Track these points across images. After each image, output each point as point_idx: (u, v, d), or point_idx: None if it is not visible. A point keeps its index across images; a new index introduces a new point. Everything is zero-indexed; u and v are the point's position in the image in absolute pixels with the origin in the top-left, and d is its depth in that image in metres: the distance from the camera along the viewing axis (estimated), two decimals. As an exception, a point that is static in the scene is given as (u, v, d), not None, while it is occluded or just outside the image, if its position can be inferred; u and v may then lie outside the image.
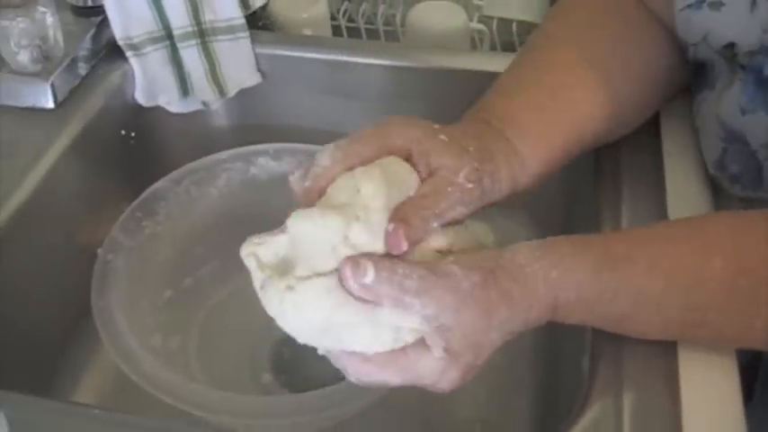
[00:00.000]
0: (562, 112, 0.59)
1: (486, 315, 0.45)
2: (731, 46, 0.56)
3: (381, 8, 1.06)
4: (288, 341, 0.73)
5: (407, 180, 0.49)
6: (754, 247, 0.47)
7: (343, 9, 1.06)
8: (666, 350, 0.51)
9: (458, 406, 0.70)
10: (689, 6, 0.58)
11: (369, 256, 0.45)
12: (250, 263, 0.47)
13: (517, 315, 0.46)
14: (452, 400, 0.70)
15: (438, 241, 0.48)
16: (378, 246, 0.46)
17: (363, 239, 0.45)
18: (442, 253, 0.48)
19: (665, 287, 0.47)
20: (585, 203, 0.68)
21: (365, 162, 0.49)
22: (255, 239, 0.48)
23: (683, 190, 0.61)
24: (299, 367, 0.75)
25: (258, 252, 0.47)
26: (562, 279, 0.47)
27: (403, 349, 0.45)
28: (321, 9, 0.96)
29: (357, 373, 0.46)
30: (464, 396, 0.70)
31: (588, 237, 0.51)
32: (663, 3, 0.62)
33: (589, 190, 0.67)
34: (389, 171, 0.49)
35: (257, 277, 0.47)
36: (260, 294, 0.46)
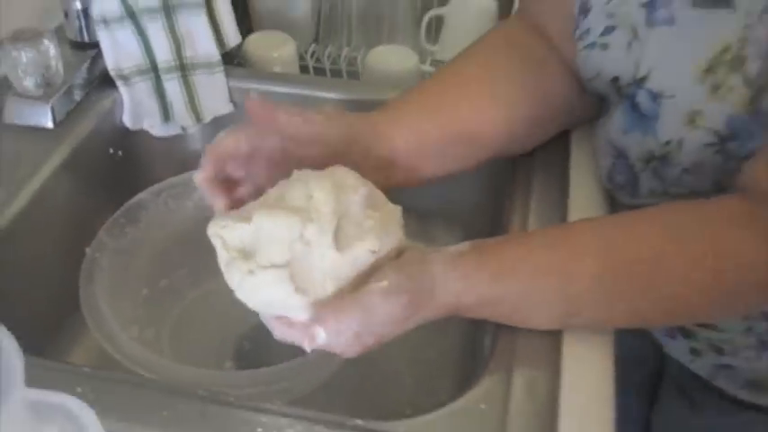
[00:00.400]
0: (444, 115, 0.72)
1: (401, 323, 0.57)
2: (615, 79, 0.69)
3: (345, 50, 1.19)
4: (248, 336, 0.84)
5: (353, 185, 0.61)
6: (617, 247, 0.60)
7: (310, 50, 1.19)
8: (553, 333, 0.63)
9: (391, 392, 0.82)
10: (586, 47, 0.71)
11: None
12: (216, 242, 0.58)
13: (425, 317, 0.58)
14: (387, 387, 0.81)
15: (372, 243, 0.59)
16: (326, 241, 0.57)
17: (315, 238, 0.57)
18: (375, 253, 0.59)
19: (545, 287, 0.59)
20: (502, 208, 0.81)
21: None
22: (221, 222, 0.59)
23: (583, 198, 0.74)
24: (258, 357, 0.85)
25: (224, 235, 0.58)
26: (465, 289, 0.58)
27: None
28: (290, 50, 1.08)
29: (282, 333, 0.57)
30: (397, 384, 0.82)
31: (490, 247, 0.62)
32: (566, 44, 0.75)
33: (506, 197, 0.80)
34: (337, 179, 0.61)
35: (223, 256, 0.58)
36: (224, 270, 0.58)
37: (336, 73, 1.17)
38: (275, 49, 1.07)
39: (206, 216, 0.86)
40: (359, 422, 0.57)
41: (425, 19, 1.17)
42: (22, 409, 0.43)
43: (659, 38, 0.64)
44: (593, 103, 0.77)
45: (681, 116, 0.63)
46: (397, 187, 0.68)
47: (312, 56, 1.18)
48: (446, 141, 0.72)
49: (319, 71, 1.17)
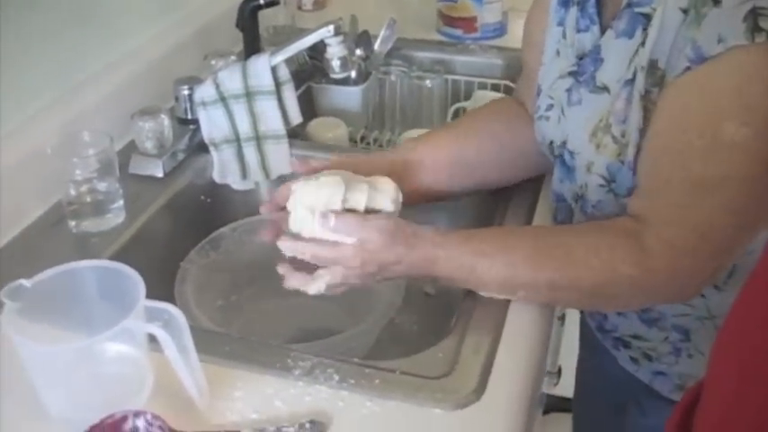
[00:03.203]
0: (453, 150, 1.04)
1: (391, 243, 0.85)
2: (551, 143, 0.97)
3: (387, 134, 1.50)
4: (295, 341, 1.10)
5: (386, 189, 0.91)
6: (544, 237, 0.88)
7: (360, 134, 1.50)
8: (499, 308, 0.90)
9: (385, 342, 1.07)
10: (538, 119, 1.00)
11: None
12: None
13: (410, 253, 0.85)
14: (381, 340, 1.07)
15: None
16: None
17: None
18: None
19: (495, 253, 0.86)
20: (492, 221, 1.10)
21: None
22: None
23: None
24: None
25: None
26: (443, 242, 0.86)
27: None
28: (342, 132, 1.40)
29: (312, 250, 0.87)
30: (394, 349, 1.08)
31: (464, 231, 0.91)
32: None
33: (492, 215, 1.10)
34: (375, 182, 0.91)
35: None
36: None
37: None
38: (330, 130, 1.39)
39: (268, 249, 1.17)
40: (356, 360, 0.85)
41: (451, 110, 1.48)
42: (143, 311, 0.72)
43: (573, 113, 0.92)
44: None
45: (584, 167, 0.91)
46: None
47: (362, 140, 1.50)
48: (453, 168, 1.03)
49: (365, 150, 1.48)
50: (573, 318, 1.31)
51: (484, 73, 1.54)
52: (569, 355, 1.33)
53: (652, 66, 0.80)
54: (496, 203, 1.11)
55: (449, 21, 1.62)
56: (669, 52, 0.78)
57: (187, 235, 1.16)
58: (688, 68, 0.76)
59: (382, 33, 1.51)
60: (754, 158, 0.75)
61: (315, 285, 0.88)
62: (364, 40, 1.50)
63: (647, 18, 0.81)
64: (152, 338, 0.75)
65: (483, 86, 1.52)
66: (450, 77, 1.55)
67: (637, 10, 0.83)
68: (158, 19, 1.36)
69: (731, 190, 0.77)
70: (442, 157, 1.04)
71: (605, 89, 0.87)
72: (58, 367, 0.75)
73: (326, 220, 0.85)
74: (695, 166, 0.78)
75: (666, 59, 0.79)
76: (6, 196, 1.02)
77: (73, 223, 1.04)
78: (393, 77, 1.53)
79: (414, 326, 1.16)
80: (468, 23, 1.60)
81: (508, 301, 0.91)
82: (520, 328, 0.90)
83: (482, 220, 1.12)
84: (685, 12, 0.76)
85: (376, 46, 1.51)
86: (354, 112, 1.50)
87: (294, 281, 0.90)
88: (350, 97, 1.49)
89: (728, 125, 0.74)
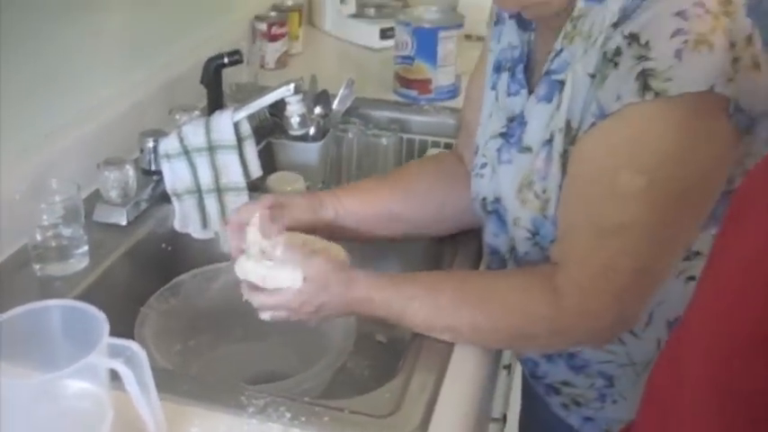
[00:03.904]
0: (378, 204, 1.11)
1: (328, 285, 0.92)
2: (484, 199, 1.04)
3: (344, 189, 1.56)
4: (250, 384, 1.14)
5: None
6: (468, 281, 0.94)
7: (317, 189, 1.56)
8: (445, 350, 0.95)
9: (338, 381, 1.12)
10: (474, 175, 1.07)
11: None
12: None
13: (345, 294, 0.92)
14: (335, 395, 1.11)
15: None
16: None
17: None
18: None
19: (424, 295, 0.93)
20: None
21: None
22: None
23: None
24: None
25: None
26: (376, 284, 0.93)
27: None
28: (300, 185, 1.45)
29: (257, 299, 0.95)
30: (346, 391, 1.12)
31: (397, 275, 0.98)
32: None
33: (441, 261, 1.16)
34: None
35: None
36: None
37: (336, 205, 1.54)
38: (289, 184, 1.44)
39: (227, 296, 1.21)
40: (307, 399, 0.89)
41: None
42: (106, 347, 0.77)
43: (503, 172, 1.00)
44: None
45: (512, 221, 0.98)
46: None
47: (319, 192, 1.56)
48: (377, 218, 1.10)
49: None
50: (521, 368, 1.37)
51: (437, 132, 1.62)
52: (517, 403, 1.39)
53: (567, 126, 0.88)
54: (445, 249, 1.18)
55: (405, 82, 1.71)
56: (581, 113, 0.87)
57: (148, 281, 1.20)
58: (593, 124, 0.84)
59: (341, 93, 1.59)
60: (649, 206, 0.83)
61: (264, 315, 0.98)
62: (323, 98, 1.57)
63: (562, 84, 0.90)
64: (113, 376, 0.79)
65: (436, 145, 1.59)
66: (405, 136, 1.63)
67: (553, 77, 0.91)
68: (126, 73, 1.42)
69: (629, 235, 0.84)
70: (367, 207, 1.11)
71: (529, 149, 0.95)
72: (21, 402, 0.78)
73: (274, 249, 0.92)
74: (597, 212, 0.86)
75: (579, 119, 0.87)
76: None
77: (38, 267, 1.08)
78: (350, 135, 1.60)
79: (365, 370, 1.21)
80: (423, 85, 1.69)
81: (452, 345, 0.97)
82: (463, 370, 0.95)
83: (432, 265, 1.19)
84: (593, 76, 0.85)
85: (334, 104, 1.58)
86: (313, 167, 1.56)
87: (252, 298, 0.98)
88: (308, 153, 1.56)
89: (624, 175, 0.82)
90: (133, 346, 0.77)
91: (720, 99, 0.79)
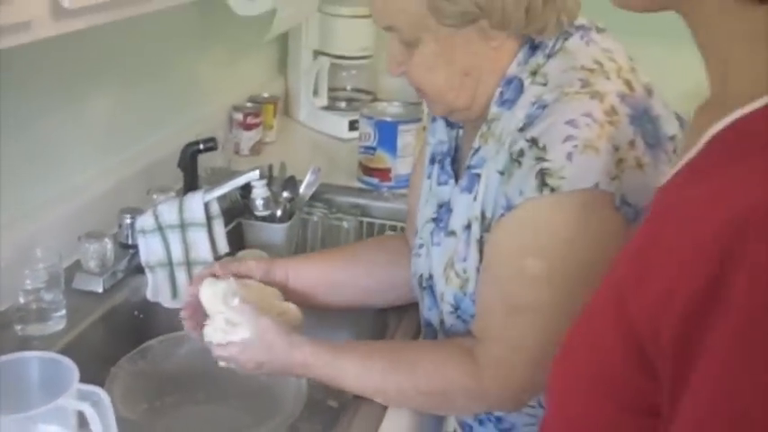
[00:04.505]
0: (325, 270, 1.25)
1: (271, 346, 1.04)
2: (420, 276, 1.17)
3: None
4: None
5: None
6: (398, 350, 1.07)
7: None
8: (379, 411, 1.07)
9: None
10: (413, 255, 1.20)
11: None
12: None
13: (285, 354, 1.04)
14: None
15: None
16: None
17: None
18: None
19: (357, 363, 1.05)
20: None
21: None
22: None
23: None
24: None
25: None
26: (314, 352, 1.05)
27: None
28: (266, 262, 1.59)
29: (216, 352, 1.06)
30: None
31: (335, 343, 1.10)
32: None
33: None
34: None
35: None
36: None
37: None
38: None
39: (192, 361, 1.32)
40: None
41: (364, 248, 1.68)
42: (76, 392, 0.88)
43: (434, 253, 1.14)
44: None
45: (440, 296, 1.11)
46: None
47: (284, 270, 1.68)
48: (325, 282, 1.23)
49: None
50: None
51: (395, 217, 1.75)
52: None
53: (482, 216, 1.02)
54: (390, 321, 1.32)
55: (367, 171, 1.86)
56: (493, 205, 1.00)
57: (119, 344, 1.31)
58: (502, 215, 0.98)
59: (307, 179, 1.73)
60: (551, 286, 0.95)
61: (220, 363, 1.12)
62: (291, 184, 1.71)
63: (479, 177, 1.04)
64: (82, 423, 0.90)
65: (393, 228, 1.73)
66: (366, 220, 1.77)
67: (473, 171, 1.05)
68: (109, 156, 1.56)
69: (537, 313, 0.97)
70: (315, 273, 1.26)
71: (454, 234, 1.09)
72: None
73: (232, 299, 1.06)
74: (507, 293, 0.99)
75: (491, 210, 1.01)
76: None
77: (19, 327, 1.20)
78: (315, 218, 1.73)
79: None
80: (384, 174, 1.84)
81: (385, 407, 1.09)
82: (396, 423, 1.07)
83: (378, 333, 1.32)
84: (501, 173, 0.99)
85: (301, 189, 1.73)
86: (279, 246, 1.69)
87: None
88: (275, 233, 1.69)
89: (530, 260, 0.95)
90: (99, 392, 0.89)
91: (605, 194, 0.93)
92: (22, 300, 1.19)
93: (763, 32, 0.57)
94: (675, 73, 1.20)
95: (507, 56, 1.03)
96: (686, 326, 0.51)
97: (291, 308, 1.17)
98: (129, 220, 1.41)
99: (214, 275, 1.15)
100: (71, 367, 0.91)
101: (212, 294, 1.10)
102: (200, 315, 1.13)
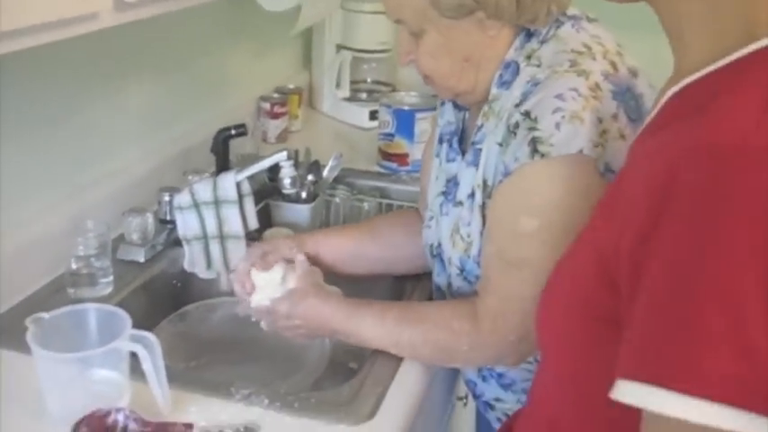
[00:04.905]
0: (348, 243, 1.37)
1: (306, 298, 1.18)
2: (431, 246, 1.30)
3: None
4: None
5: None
6: (408, 307, 1.20)
7: (308, 243, 1.82)
8: (395, 362, 1.19)
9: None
10: (424, 227, 1.32)
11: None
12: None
13: (316, 309, 1.18)
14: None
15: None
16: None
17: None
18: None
19: (374, 317, 1.17)
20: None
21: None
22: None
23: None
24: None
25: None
26: (338, 306, 1.18)
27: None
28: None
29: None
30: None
31: (357, 300, 1.23)
32: None
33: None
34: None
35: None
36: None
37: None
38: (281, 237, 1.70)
39: (225, 324, 1.45)
40: (281, 390, 1.13)
41: (383, 227, 1.81)
42: (128, 336, 1.01)
43: (443, 222, 1.26)
44: None
45: (447, 261, 1.24)
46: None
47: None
48: (349, 254, 1.36)
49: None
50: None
51: (412, 198, 1.86)
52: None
53: (484, 184, 1.14)
54: (405, 287, 1.45)
55: (386, 156, 1.98)
56: (493, 173, 1.12)
57: (160, 309, 1.45)
58: (500, 181, 1.10)
59: (330, 163, 1.86)
60: (544, 244, 1.06)
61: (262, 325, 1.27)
62: (315, 167, 1.84)
63: (481, 152, 1.16)
64: (133, 369, 1.04)
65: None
66: (385, 201, 1.89)
67: (477, 146, 1.17)
68: (148, 142, 1.70)
69: (530, 268, 1.07)
70: (340, 246, 1.39)
71: (461, 203, 1.21)
72: (60, 377, 1.03)
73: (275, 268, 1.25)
74: (503, 249, 1.11)
75: (492, 178, 1.12)
76: (21, 266, 1.32)
77: (72, 290, 1.34)
78: (337, 200, 1.86)
79: (329, 382, 1.44)
80: (402, 158, 1.96)
81: (400, 359, 1.21)
82: (408, 376, 1.19)
83: (395, 298, 1.45)
84: (500, 145, 1.11)
85: (324, 173, 1.85)
86: (304, 225, 1.82)
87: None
88: (300, 213, 1.82)
89: (523, 219, 1.07)
90: (150, 336, 1.02)
91: (589, 159, 1.04)
92: (74, 266, 1.33)
93: (709, 14, 0.69)
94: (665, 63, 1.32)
95: (504, 43, 1.15)
96: (636, 249, 0.63)
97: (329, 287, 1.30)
98: (167, 198, 1.54)
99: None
100: (124, 317, 1.04)
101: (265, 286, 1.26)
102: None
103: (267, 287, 1.26)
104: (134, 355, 1.04)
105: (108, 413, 0.99)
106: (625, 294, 0.65)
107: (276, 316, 1.22)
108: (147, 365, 1.01)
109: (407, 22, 1.16)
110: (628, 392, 0.62)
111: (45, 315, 1.04)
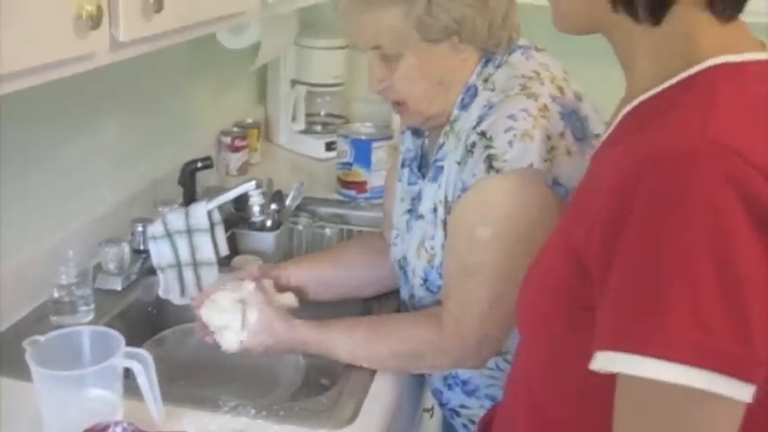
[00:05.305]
0: (313, 271, 1.45)
1: (275, 331, 1.24)
2: (397, 260, 1.39)
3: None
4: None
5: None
6: (377, 323, 1.28)
7: (273, 269, 1.89)
8: (370, 373, 1.27)
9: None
10: (390, 245, 1.41)
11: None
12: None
13: (286, 335, 1.25)
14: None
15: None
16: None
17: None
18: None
19: (341, 335, 1.26)
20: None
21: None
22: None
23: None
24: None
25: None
26: (307, 331, 1.26)
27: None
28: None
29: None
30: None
31: (324, 321, 1.30)
32: None
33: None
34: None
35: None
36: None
37: (288, 282, 1.87)
38: (249, 264, 1.77)
39: (202, 348, 1.51)
40: (266, 401, 1.20)
41: (345, 251, 1.89)
42: (123, 354, 1.08)
43: (408, 238, 1.35)
44: None
45: (411, 272, 1.33)
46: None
47: (275, 273, 1.89)
48: (313, 283, 1.44)
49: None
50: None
51: (372, 224, 1.97)
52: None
53: (445, 200, 1.24)
54: (372, 306, 1.52)
55: (345, 184, 2.08)
56: (453, 190, 1.22)
57: (137, 335, 1.50)
58: (459, 196, 1.20)
59: (292, 193, 1.94)
60: (498, 251, 1.16)
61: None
62: (278, 197, 1.92)
63: (443, 168, 1.26)
64: (126, 388, 1.10)
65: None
66: (345, 227, 1.98)
67: (438, 164, 1.27)
68: (119, 176, 1.76)
69: (486, 273, 1.17)
70: (305, 274, 1.47)
71: (422, 217, 1.30)
72: (59, 396, 1.08)
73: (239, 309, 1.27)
74: (461, 256, 1.20)
75: (452, 194, 1.22)
76: (7, 296, 1.37)
77: (54, 318, 1.39)
78: (300, 227, 1.94)
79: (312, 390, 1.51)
80: (360, 186, 2.06)
81: (374, 371, 1.29)
82: (383, 386, 1.27)
83: (363, 312, 1.52)
84: (459, 163, 1.21)
85: (287, 202, 1.93)
86: (269, 252, 1.89)
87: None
88: (265, 241, 1.89)
89: (479, 228, 1.16)
90: (143, 352, 1.09)
91: (539, 173, 1.14)
92: (56, 294, 1.38)
93: (657, 47, 0.81)
94: (610, 88, 1.45)
95: (471, 67, 1.25)
96: (606, 241, 0.74)
97: (288, 295, 1.37)
98: (140, 228, 1.61)
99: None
100: (117, 336, 1.11)
101: (216, 310, 1.31)
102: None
103: (228, 329, 1.29)
104: (126, 376, 1.10)
105: (107, 426, 1.04)
106: (597, 281, 0.76)
107: (253, 352, 1.29)
108: (142, 380, 1.07)
109: (385, 47, 1.23)
110: (607, 362, 0.72)
111: (40, 338, 1.10)
